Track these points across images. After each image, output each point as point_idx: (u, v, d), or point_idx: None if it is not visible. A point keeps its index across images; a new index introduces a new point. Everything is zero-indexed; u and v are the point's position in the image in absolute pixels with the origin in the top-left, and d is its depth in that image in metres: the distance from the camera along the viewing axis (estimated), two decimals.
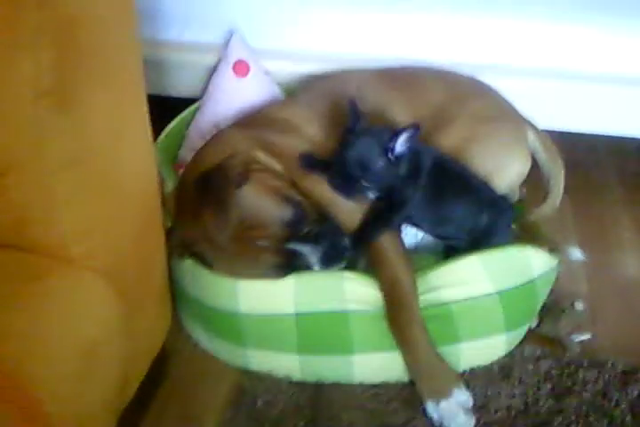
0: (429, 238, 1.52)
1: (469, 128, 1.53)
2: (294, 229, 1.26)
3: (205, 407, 1.32)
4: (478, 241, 1.39)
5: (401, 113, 1.56)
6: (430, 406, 1.25)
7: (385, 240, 1.35)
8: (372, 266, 1.35)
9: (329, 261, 1.29)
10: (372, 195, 1.36)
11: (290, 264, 1.27)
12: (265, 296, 1.30)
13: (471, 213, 1.39)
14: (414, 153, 1.34)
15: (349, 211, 1.37)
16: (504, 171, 1.53)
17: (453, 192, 1.40)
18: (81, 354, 0.88)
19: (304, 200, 1.32)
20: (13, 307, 0.84)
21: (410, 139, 1.30)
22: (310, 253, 1.27)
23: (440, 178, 1.38)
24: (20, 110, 0.82)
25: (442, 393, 1.25)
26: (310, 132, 1.48)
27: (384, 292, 1.31)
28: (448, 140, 1.50)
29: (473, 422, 1.24)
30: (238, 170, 1.28)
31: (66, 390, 0.84)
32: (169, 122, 1.73)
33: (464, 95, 1.60)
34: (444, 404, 1.24)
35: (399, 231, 1.43)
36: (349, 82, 1.62)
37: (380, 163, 1.31)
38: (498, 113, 1.59)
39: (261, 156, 1.38)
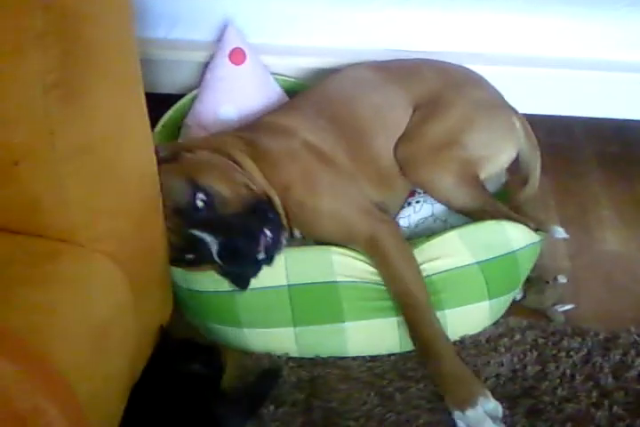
0: (423, 225, 1.59)
1: (466, 114, 1.59)
2: (185, 216, 1.25)
3: None
4: None
5: (400, 102, 1.62)
6: (457, 416, 1.25)
7: (390, 246, 1.37)
8: (380, 275, 1.37)
9: (228, 257, 1.23)
10: None
11: (190, 249, 1.26)
12: None
13: None
14: None
15: (333, 219, 1.40)
16: (498, 156, 1.61)
17: None
18: (95, 328, 0.94)
19: (232, 193, 1.30)
20: (30, 285, 0.90)
21: None
22: (210, 242, 1.22)
23: None
24: (32, 103, 0.87)
25: (467, 402, 1.24)
26: (308, 138, 1.50)
27: (398, 303, 1.35)
28: (446, 125, 1.57)
29: None
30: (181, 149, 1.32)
31: (84, 361, 0.90)
32: (158, 119, 1.74)
33: (459, 83, 1.66)
34: (470, 412, 1.24)
35: (399, 229, 1.48)
36: (346, 82, 1.66)
37: None
38: (491, 101, 1.66)
39: (238, 154, 1.41)
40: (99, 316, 0.96)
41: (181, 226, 1.24)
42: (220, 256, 1.22)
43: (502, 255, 1.42)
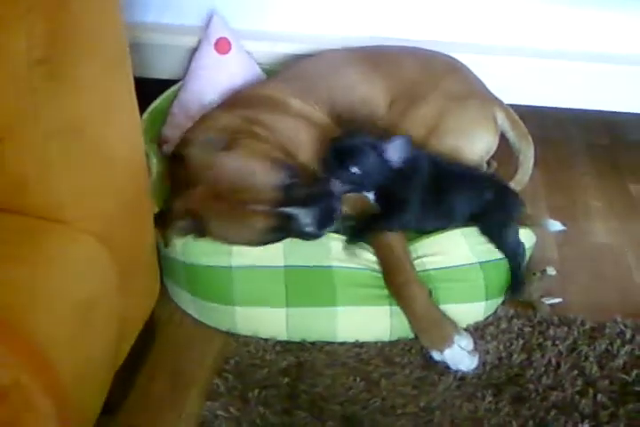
0: None
1: (441, 105, 1.60)
2: (287, 193, 1.29)
3: (194, 369, 1.38)
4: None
5: (377, 90, 1.64)
6: (436, 356, 1.32)
7: None
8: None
9: (322, 224, 1.31)
10: (367, 193, 1.42)
11: (284, 227, 1.30)
12: (257, 251, 1.36)
13: (474, 197, 1.46)
14: (410, 158, 1.39)
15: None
16: (472, 146, 1.62)
17: (453, 187, 1.46)
18: (78, 307, 0.93)
19: (295, 163, 1.36)
20: (13, 263, 0.89)
21: (402, 146, 1.37)
22: (304, 216, 1.29)
23: (437, 178, 1.44)
24: (16, 79, 0.86)
25: (444, 342, 1.32)
26: (296, 106, 1.54)
27: (379, 258, 1.38)
28: (421, 116, 1.59)
29: (476, 360, 1.32)
30: (225, 137, 1.35)
31: (66, 339, 0.89)
32: (147, 103, 1.73)
33: (437, 73, 1.67)
34: (447, 352, 1.31)
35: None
36: (328, 61, 1.68)
37: (371, 157, 1.36)
38: (468, 91, 1.67)
39: (255, 128, 1.44)
40: (82, 294, 0.95)
41: (272, 206, 1.28)
42: (317, 225, 1.30)
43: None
